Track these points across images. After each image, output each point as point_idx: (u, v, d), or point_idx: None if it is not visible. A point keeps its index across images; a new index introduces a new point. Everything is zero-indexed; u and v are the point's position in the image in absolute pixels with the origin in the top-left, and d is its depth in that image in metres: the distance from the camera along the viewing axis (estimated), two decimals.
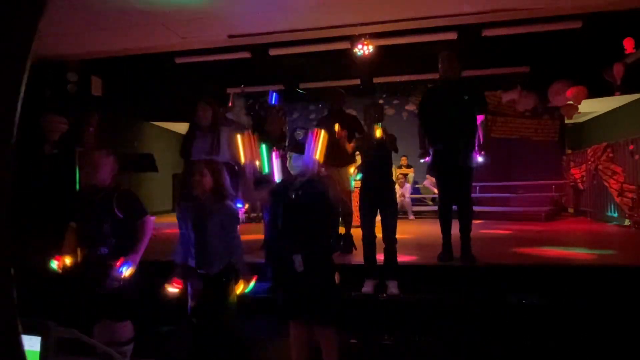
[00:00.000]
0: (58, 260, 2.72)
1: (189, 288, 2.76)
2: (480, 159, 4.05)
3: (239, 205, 3.89)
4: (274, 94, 5.31)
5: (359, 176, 4.45)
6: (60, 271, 2.72)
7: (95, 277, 2.67)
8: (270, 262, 3.84)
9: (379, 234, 3.73)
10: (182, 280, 2.74)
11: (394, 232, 3.65)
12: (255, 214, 8.49)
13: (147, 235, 2.75)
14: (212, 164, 2.83)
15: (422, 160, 4.41)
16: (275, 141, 4.14)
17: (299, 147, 2.59)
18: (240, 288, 2.69)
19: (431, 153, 4.20)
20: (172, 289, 2.72)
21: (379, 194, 3.66)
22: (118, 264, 2.58)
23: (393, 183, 3.81)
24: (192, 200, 2.76)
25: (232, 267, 2.73)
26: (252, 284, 2.73)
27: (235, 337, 2.75)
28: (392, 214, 3.70)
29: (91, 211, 2.73)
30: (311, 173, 2.58)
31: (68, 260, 2.74)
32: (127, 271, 2.59)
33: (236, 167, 3.93)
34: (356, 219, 5.93)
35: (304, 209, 2.52)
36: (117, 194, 2.76)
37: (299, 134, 2.61)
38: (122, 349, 2.70)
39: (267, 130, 4.22)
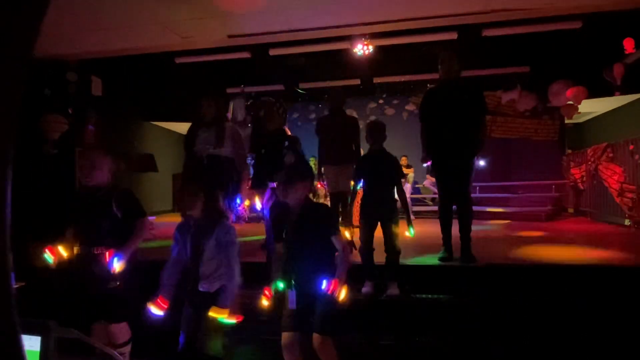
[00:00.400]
0: (52, 252, 2.63)
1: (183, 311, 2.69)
2: (481, 162, 4.07)
3: (238, 200, 3.90)
4: None
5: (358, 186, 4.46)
6: (54, 264, 2.64)
7: (93, 277, 2.67)
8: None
9: (378, 238, 3.73)
10: (167, 301, 2.58)
11: (396, 243, 3.65)
12: (255, 214, 8.49)
13: (140, 234, 2.73)
14: (204, 185, 2.77)
15: (424, 165, 4.40)
16: (275, 140, 4.12)
17: (287, 172, 2.53)
18: (212, 313, 2.48)
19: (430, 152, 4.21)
20: (156, 310, 2.54)
21: (379, 207, 3.67)
22: (107, 257, 2.55)
23: (393, 195, 3.80)
24: (189, 220, 2.71)
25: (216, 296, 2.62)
26: (224, 317, 2.48)
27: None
28: (394, 224, 3.68)
29: (90, 210, 2.73)
30: (302, 200, 2.54)
31: (61, 249, 2.65)
32: (117, 264, 2.53)
33: (237, 162, 3.95)
34: (356, 219, 5.94)
35: (301, 240, 2.51)
36: (116, 193, 2.76)
37: (289, 158, 2.55)
38: (119, 350, 2.70)
39: (267, 129, 4.21)
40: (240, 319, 2.56)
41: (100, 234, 2.69)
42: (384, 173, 3.70)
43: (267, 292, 2.53)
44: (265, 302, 2.52)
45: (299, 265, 2.50)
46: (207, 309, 2.52)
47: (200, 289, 2.64)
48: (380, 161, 3.74)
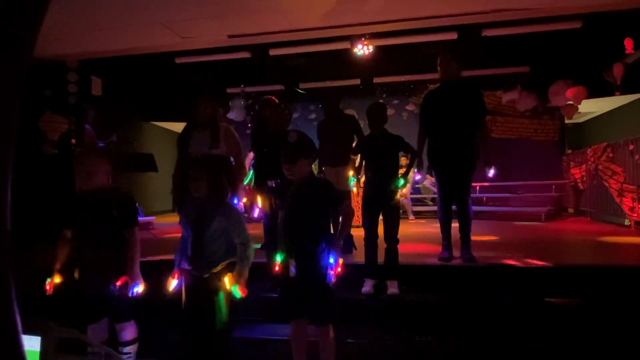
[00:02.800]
0: (49, 285, 2.68)
1: (182, 285, 2.74)
2: (491, 171, 4.10)
3: (235, 201, 3.90)
4: None
5: (352, 181, 4.50)
6: (50, 293, 2.67)
7: (93, 281, 2.67)
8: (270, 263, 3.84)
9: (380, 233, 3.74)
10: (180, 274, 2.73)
11: (396, 232, 3.65)
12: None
13: (135, 247, 2.74)
14: (208, 164, 2.77)
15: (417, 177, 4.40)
16: (278, 140, 4.13)
17: (290, 151, 2.54)
18: (227, 282, 2.56)
19: (429, 152, 4.22)
20: (174, 282, 2.69)
21: (382, 194, 3.66)
22: (119, 283, 2.63)
23: (395, 180, 3.80)
24: (194, 202, 2.72)
25: (227, 269, 2.67)
26: (235, 288, 2.52)
27: (227, 340, 2.71)
28: (395, 213, 3.70)
29: (89, 214, 2.72)
30: (305, 176, 2.58)
31: (58, 280, 2.70)
32: (138, 289, 2.67)
33: (232, 162, 3.95)
34: (356, 219, 5.93)
35: (299, 213, 2.54)
36: (116, 197, 2.76)
37: (292, 136, 2.57)
38: (126, 349, 2.71)
39: (271, 129, 4.20)
40: (245, 294, 2.56)
41: (99, 237, 2.69)
42: (384, 156, 3.69)
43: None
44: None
45: (298, 237, 2.53)
46: (205, 293, 2.59)
47: (194, 273, 2.66)
48: (381, 144, 3.72)
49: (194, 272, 2.64)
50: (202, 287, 2.61)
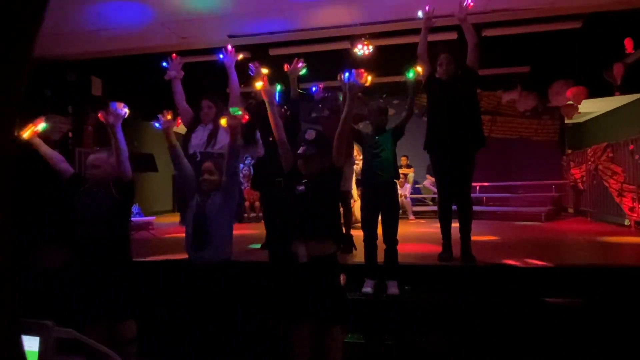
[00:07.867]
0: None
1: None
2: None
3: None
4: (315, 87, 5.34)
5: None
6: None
7: (92, 262, 2.72)
8: (274, 262, 3.85)
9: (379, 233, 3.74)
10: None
11: (395, 233, 3.65)
12: (254, 214, 8.50)
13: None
14: (220, 162, 2.97)
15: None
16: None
17: (309, 147, 2.60)
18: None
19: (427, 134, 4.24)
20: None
21: (380, 194, 3.66)
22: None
23: (394, 183, 3.80)
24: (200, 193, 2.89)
25: (228, 263, 2.78)
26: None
27: (225, 332, 2.76)
28: (394, 214, 3.70)
29: (91, 199, 2.83)
30: (317, 170, 2.64)
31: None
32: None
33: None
34: (356, 218, 5.94)
35: (312, 201, 2.59)
36: (114, 179, 2.87)
37: (311, 134, 2.63)
38: (125, 348, 2.71)
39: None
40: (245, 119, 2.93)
41: (99, 216, 2.77)
42: (382, 157, 3.69)
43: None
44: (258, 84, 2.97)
45: (312, 223, 2.59)
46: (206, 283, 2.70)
47: (196, 261, 2.78)
48: (379, 145, 3.73)
49: (196, 261, 2.74)
50: (205, 281, 2.65)
